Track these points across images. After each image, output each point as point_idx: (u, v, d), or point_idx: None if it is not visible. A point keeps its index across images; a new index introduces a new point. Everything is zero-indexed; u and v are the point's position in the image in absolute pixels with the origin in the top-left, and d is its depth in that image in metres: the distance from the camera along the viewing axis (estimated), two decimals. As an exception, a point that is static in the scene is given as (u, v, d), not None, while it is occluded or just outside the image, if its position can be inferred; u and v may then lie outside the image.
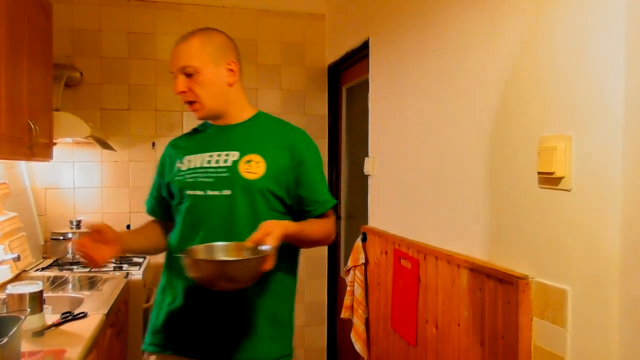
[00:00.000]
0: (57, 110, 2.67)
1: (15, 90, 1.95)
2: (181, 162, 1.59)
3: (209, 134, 1.64)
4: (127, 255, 3.16)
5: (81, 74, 3.12)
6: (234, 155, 1.53)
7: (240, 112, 1.60)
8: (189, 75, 1.50)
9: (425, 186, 2.16)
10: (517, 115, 1.56)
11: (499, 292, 1.59)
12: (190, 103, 1.53)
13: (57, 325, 1.76)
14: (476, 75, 1.78)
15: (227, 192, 1.50)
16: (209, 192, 1.51)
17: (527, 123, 1.51)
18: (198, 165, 1.55)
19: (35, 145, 2.16)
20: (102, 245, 1.37)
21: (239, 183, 1.49)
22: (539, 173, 1.44)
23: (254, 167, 1.50)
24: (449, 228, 1.96)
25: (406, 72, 2.35)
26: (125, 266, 2.86)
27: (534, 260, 1.47)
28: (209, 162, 1.54)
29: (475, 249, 1.77)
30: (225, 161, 1.52)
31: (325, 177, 1.62)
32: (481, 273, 1.69)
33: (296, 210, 1.58)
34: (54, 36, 2.57)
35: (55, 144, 3.03)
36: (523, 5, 1.54)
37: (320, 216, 1.57)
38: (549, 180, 1.40)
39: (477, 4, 1.78)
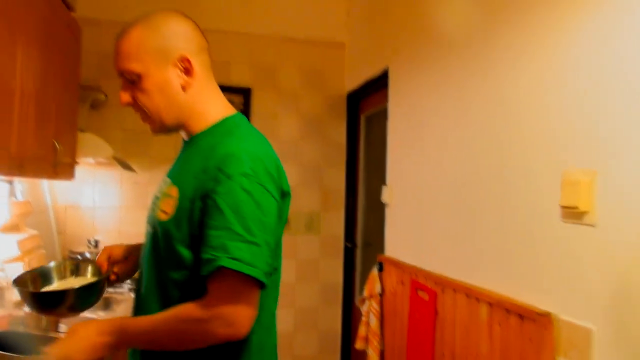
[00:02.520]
0: (81, 130, 2.72)
1: (44, 111, 1.99)
2: None
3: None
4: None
5: (106, 96, 3.18)
6: (166, 183, 1.20)
7: (201, 121, 1.20)
8: (131, 82, 1.17)
9: (443, 216, 2.14)
10: (540, 148, 1.55)
11: (519, 329, 1.56)
12: (142, 116, 1.21)
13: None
14: (498, 105, 1.78)
15: (149, 230, 1.20)
16: (147, 228, 1.23)
17: (551, 156, 1.50)
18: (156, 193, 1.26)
19: (59, 165, 2.19)
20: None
21: (154, 223, 1.17)
22: (562, 207, 1.42)
23: (166, 204, 1.13)
24: (467, 260, 1.94)
25: (425, 101, 2.36)
26: (140, 287, 2.86)
27: (557, 296, 1.44)
28: (159, 189, 1.23)
29: (495, 283, 1.74)
30: (160, 191, 1.21)
31: (243, 221, 1.02)
32: (501, 307, 1.66)
33: None
34: (82, 59, 2.63)
35: (77, 163, 3.08)
36: (547, 39, 1.54)
37: (210, 284, 1.03)
38: (572, 214, 1.38)
39: (499, 35, 1.78)
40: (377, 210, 2.99)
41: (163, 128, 1.21)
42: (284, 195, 1.15)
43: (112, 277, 1.35)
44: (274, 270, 1.15)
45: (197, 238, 1.07)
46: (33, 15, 1.82)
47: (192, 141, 1.21)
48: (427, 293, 2.19)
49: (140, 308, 1.21)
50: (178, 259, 1.10)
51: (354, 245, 3.56)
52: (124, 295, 2.68)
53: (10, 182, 2.44)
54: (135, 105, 1.19)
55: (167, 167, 3.86)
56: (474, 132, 1.93)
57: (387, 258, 2.71)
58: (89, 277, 1.40)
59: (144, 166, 3.33)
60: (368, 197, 3.46)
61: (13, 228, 2.34)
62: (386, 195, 2.77)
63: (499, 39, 1.79)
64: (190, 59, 1.17)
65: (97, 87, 3.14)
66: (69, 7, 2.36)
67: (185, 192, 1.09)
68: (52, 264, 1.45)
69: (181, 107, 1.19)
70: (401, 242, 2.61)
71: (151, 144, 3.35)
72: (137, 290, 1.24)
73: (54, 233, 3.09)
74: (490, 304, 1.72)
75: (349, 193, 3.63)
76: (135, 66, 1.15)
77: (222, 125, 1.19)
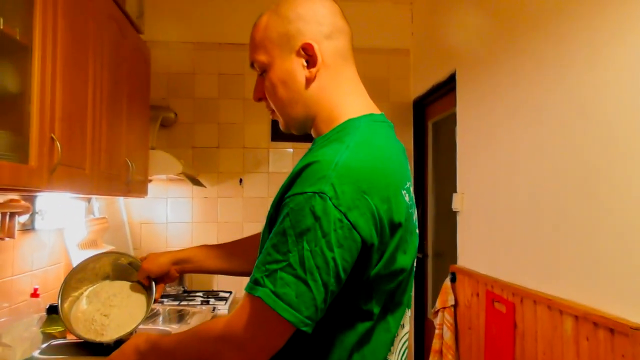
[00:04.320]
0: (152, 148, 2.82)
1: (115, 131, 2.07)
2: None
3: None
4: (214, 289, 3.23)
5: (175, 114, 3.29)
6: None
7: (327, 122, 1.02)
8: (262, 75, 1.05)
9: (520, 223, 2.02)
10: (626, 150, 1.42)
11: (610, 344, 1.43)
12: (271, 113, 1.08)
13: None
14: (577, 106, 1.66)
15: None
16: None
17: (639, 158, 1.37)
18: None
19: (132, 182, 2.27)
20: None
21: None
22: (655, 210, 1.29)
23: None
24: (548, 269, 1.81)
25: (496, 104, 2.25)
26: (212, 300, 2.91)
27: (652, 308, 1.31)
28: None
29: (580, 294, 1.61)
30: None
31: (303, 252, 0.84)
32: (588, 321, 1.53)
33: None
34: (151, 79, 2.73)
35: (150, 180, 3.19)
36: (628, 35, 1.42)
37: (243, 300, 0.91)
38: (667, 218, 1.25)
39: (575, 32, 1.67)
40: (448, 219, 2.89)
41: (292, 125, 1.05)
42: (395, 227, 0.91)
43: (157, 296, 1.27)
44: (368, 316, 0.94)
45: None
46: (104, 39, 1.89)
47: (313, 145, 1.03)
48: (504, 305, 2.07)
49: None
50: None
51: (425, 255, 3.46)
52: (195, 307, 2.73)
53: (88, 200, 2.55)
54: (266, 100, 1.05)
55: (234, 182, 3.90)
56: (552, 134, 1.81)
57: (459, 268, 2.60)
58: (129, 286, 1.30)
59: (213, 181, 3.41)
60: (437, 205, 3.36)
61: (91, 244, 2.45)
62: (457, 202, 2.67)
63: (574, 37, 1.67)
64: (317, 46, 0.99)
65: (167, 106, 3.25)
66: (138, 30, 2.46)
67: (275, 198, 0.95)
68: (105, 252, 1.36)
69: (307, 103, 1.02)
70: (474, 251, 2.50)
71: (219, 160, 3.42)
72: None
73: (129, 248, 3.21)
74: (575, 317, 1.59)
75: (417, 201, 3.53)
76: (261, 56, 1.02)
77: (344, 126, 0.99)
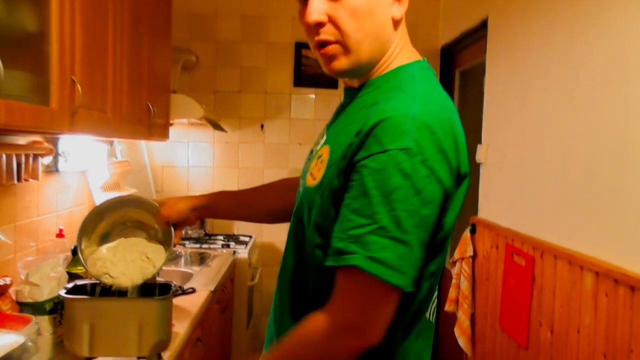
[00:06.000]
0: (174, 92, 2.80)
1: (136, 74, 2.05)
2: None
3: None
4: (234, 233, 3.28)
5: (197, 57, 3.24)
6: (322, 138, 1.01)
7: (379, 70, 0.95)
8: None
9: (545, 177, 1.98)
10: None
11: (630, 301, 1.41)
12: (324, 45, 0.91)
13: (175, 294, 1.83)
14: (617, 56, 1.58)
15: (300, 190, 1.02)
16: (299, 188, 1.04)
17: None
18: (312, 149, 1.06)
19: (153, 126, 2.26)
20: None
21: (302, 187, 0.98)
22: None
23: (316, 166, 0.93)
24: (571, 225, 1.78)
25: (530, 54, 2.16)
26: (232, 244, 2.96)
27: (677, 268, 1.28)
28: (315, 144, 1.04)
29: (602, 249, 1.59)
30: (316, 146, 1.02)
31: (394, 212, 0.79)
32: (609, 277, 1.51)
33: None
34: (173, 21, 2.67)
35: (172, 124, 3.19)
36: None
37: (338, 282, 0.84)
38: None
39: (617, -26, 1.57)
40: (471, 171, 2.84)
41: (355, 63, 0.91)
42: (461, 177, 0.88)
43: (176, 241, 1.27)
44: (431, 276, 0.91)
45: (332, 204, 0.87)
46: (123, -22, 1.84)
47: (360, 93, 0.95)
48: (523, 258, 2.06)
49: (275, 301, 1.03)
50: (316, 231, 0.90)
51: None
52: (216, 251, 2.78)
53: (111, 143, 2.57)
54: (326, 26, 0.89)
55: (255, 127, 3.90)
56: (588, 87, 1.73)
57: (480, 220, 2.58)
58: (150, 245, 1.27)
59: (234, 126, 3.39)
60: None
61: (114, 186, 2.48)
62: (481, 154, 2.62)
63: (615, -23, 1.57)
64: None
65: (188, 49, 3.20)
66: (159, -31, 2.39)
67: (335, 155, 0.87)
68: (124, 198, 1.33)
69: (385, 45, 0.92)
70: (496, 203, 2.47)
71: (241, 104, 3.40)
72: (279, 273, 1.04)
73: (152, 191, 3.25)
74: (596, 273, 1.58)
75: (440, 152, 3.48)
76: None
77: (397, 74, 0.92)
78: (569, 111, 1.83)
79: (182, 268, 2.50)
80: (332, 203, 0.86)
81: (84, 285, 1.28)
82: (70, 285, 1.28)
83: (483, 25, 2.67)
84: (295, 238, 0.97)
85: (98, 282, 1.22)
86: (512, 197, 2.28)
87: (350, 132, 0.86)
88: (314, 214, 0.89)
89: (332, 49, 0.90)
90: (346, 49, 0.90)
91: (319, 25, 0.89)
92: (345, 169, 0.84)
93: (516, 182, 2.24)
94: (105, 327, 1.19)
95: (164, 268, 1.34)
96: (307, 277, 0.94)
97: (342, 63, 0.91)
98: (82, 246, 1.23)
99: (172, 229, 1.27)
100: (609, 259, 1.54)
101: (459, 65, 3.30)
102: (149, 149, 3.29)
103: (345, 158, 0.84)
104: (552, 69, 1.95)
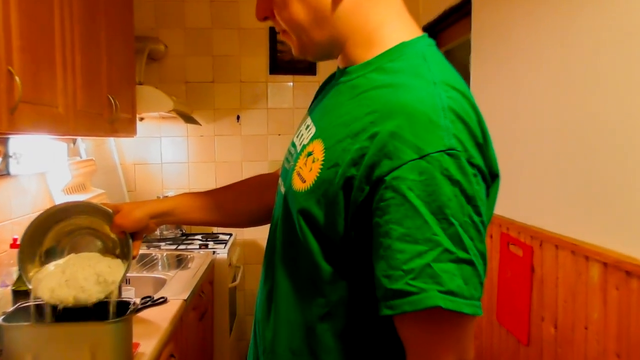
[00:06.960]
0: (140, 84, 2.61)
1: (93, 65, 1.86)
2: None
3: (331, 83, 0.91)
4: (213, 232, 3.11)
5: (165, 46, 3.04)
6: (308, 129, 0.84)
7: (366, 45, 0.79)
8: None
9: (540, 161, 1.84)
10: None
11: (646, 296, 1.28)
12: (283, 35, 0.86)
13: (136, 311, 1.67)
14: (611, 28, 1.43)
15: (280, 199, 0.86)
16: (280, 187, 0.89)
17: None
18: (292, 140, 0.92)
19: (117, 121, 2.08)
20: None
21: (286, 190, 0.82)
22: None
23: (305, 165, 0.77)
24: (572, 212, 1.64)
25: (517, 29, 2.01)
26: (210, 244, 2.79)
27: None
28: (297, 134, 0.89)
29: (609, 238, 1.45)
30: (300, 139, 0.86)
31: (451, 228, 0.65)
32: (619, 269, 1.38)
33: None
34: (137, 8, 2.47)
35: (142, 119, 3.00)
36: None
37: (405, 329, 0.70)
38: None
39: None
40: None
41: (311, 51, 0.83)
42: (494, 177, 0.74)
43: (135, 253, 1.10)
44: None
45: (342, 241, 0.72)
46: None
47: (349, 73, 0.80)
48: (520, 248, 1.93)
49: (260, 334, 0.87)
50: (314, 240, 0.75)
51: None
52: (193, 252, 2.61)
53: (73, 142, 2.37)
54: (274, 20, 0.83)
55: (231, 119, 3.73)
56: (582, 64, 1.59)
57: (472, 208, 2.44)
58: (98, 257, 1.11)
59: (209, 118, 3.21)
60: (448, 141, 3.17)
61: (79, 188, 2.29)
62: (469, 138, 2.48)
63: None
64: None
65: (155, 38, 3.00)
66: (115, -51, 2.19)
67: (335, 155, 0.72)
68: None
69: (335, 24, 0.78)
70: (488, 190, 2.34)
71: (214, 95, 3.21)
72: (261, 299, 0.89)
73: (124, 191, 3.06)
74: (604, 264, 1.44)
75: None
76: None
77: (401, 52, 0.77)
78: (563, 91, 1.69)
79: (156, 274, 2.33)
80: (335, 213, 0.71)
81: (28, 307, 1.11)
82: (11, 308, 1.11)
83: (467, 1, 2.51)
84: (285, 256, 0.82)
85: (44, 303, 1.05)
86: (505, 183, 2.13)
87: (354, 128, 0.71)
88: (312, 226, 0.74)
89: (285, 37, 0.85)
90: (296, 36, 0.82)
91: (267, 19, 0.85)
92: (366, 178, 0.68)
93: (508, 167, 2.10)
94: (52, 357, 1.02)
95: (131, 275, 1.17)
96: (316, 302, 0.77)
97: (296, 50, 0.85)
98: (27, 270, 1.05)
99: (130, 239, 1.10)
100: (619, 248, 1.41)
101: (443, 44, 3.15)
102: (119, 147, 3.09)
103: (358, 169, 0.68)
104: (541, 43, 1.81)
